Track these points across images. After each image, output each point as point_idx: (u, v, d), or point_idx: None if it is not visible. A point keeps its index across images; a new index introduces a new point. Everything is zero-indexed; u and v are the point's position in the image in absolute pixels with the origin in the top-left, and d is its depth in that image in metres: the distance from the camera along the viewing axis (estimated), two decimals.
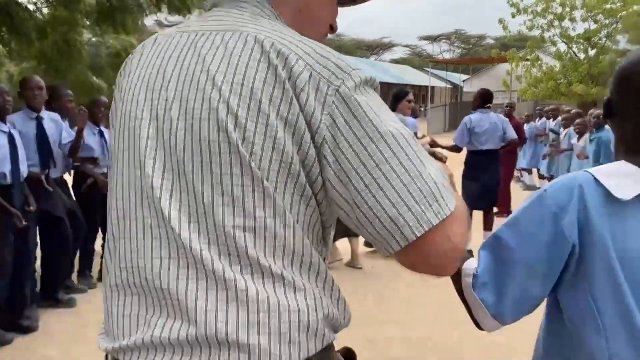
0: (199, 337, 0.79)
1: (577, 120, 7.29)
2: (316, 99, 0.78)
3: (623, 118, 1.07)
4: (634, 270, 0.97)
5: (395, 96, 5.48)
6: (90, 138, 4.60)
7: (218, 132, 0.79)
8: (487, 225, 5.85)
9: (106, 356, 0.92)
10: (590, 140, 6.18)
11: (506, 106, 7.97)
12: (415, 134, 5.59)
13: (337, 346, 0.94)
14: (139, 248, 0.85)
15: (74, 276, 4.57)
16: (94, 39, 12.28)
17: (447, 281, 1.07)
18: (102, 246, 4.33)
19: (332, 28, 1.01)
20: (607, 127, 5.50)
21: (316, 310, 0.83)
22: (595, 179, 1.01)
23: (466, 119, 5.76)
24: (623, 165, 1.03)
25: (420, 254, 0.80)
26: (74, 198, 4.50)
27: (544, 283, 1.03)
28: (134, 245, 0.86)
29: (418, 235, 0.77)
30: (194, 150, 0.81)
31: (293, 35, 0.84)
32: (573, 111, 8.31)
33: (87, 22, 6.62)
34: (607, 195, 0.99)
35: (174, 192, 0.82)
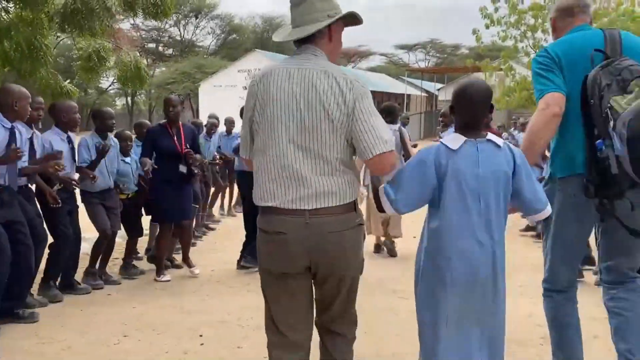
0: (310, 194, 2.10)
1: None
2: (353, 93, 2.08)
3: (456, 115, 2.33)
4: (461, 180, 2.22)
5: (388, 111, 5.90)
6: (58, 144, 4.45)
7: (322, 112, 2.07)
8: None
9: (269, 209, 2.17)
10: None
11: None
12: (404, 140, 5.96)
13: None
14: (289, 163, 2.11)
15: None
16: (68, 42, 11.98)
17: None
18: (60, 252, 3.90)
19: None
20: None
21: (355, 182, 2.19)
22: (442, 143, 2.27)
23: None
24: (455, 134, 2.30)
25: (379, 162, 2.11)
26: (38, 207, 4.33)
27: (419, 191, 2.27)
28: (285, 162, 2.11)
29: (382, 151, 2.08)
30: (313, 123, 2.08)
31: (339, 67, 2.16)
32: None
33: (54, 25, 6.39)
34: (447, 149, 2.25)
35: (301, 143, 2.10)
